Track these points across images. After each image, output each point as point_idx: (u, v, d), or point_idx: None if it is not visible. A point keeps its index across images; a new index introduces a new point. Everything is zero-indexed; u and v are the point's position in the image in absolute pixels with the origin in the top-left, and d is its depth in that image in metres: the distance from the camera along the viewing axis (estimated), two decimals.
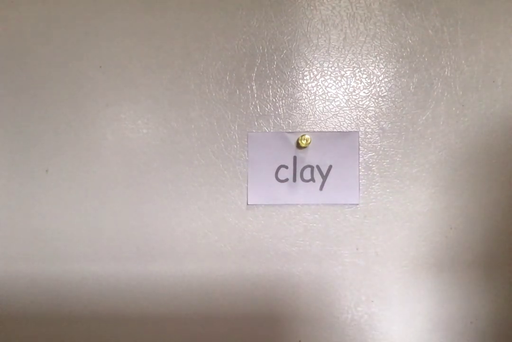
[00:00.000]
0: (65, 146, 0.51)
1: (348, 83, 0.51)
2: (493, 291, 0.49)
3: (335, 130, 0.50)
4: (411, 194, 0.50)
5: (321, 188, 0.49)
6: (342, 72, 0.51)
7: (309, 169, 0.50)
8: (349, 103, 0.50)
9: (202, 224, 0.50)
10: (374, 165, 0.50)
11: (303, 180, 0.50)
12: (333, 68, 0.51)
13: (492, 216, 0.49)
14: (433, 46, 0.50)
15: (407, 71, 0.50)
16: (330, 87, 0.51)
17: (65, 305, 0.51)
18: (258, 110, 0.50)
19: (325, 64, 0.51)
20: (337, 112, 0.50)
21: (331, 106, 0.50)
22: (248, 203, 0.50)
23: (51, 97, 0.51)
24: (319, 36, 0.51)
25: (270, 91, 0.50)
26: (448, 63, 0.50)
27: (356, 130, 0.50)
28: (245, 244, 0.50)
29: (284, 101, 0.50)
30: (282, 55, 0.51)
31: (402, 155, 0.50)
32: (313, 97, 0.50)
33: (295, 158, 0.50)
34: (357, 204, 0.50)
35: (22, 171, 0.51)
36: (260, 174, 0.50)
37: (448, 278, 0.49)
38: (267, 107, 0.50)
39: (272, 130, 0.50)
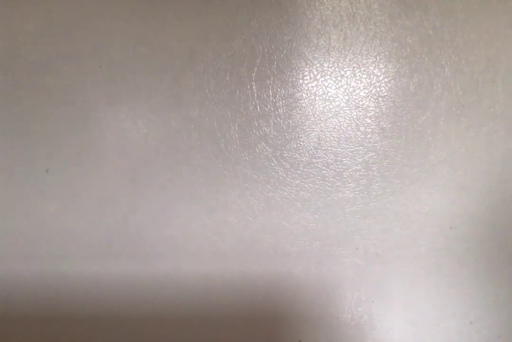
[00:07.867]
0: (65, 146, 0.51)
1: (348, 83, 0.51)
2: (493, 291, 0.49)
3: (335, 130, 0.50)
4: (411, 194, 0.50)
5: None
6: (342, 72, 0.51)
7: None
8: (349, 103, 0.50)
9: (202, 224, 0.50)
10: (374, 165, 0.50)
11: None
12: (333, 68, 0.51)
13: (492, 216, 0.49)
14: (433, 46, 0.50)
15: (407, 71, 0.50)
16: (330, 87, 0.50)
17: (65, 305, 0.51)
18: (258, 110, 0.50)
19: (325, 64, 0.51)
20: (337, 112, 0.50)
21: (331, 106, 0.50)
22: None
23: (51, 97, 0.51)
24: (319, 36, 0.51)
25: (270, 91, 0.50)
26: (448, 63, 0.50)
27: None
28: (245, 244, 0.50)
29: (284, 101, 0.50)
30: (282, 55, 0.51)
31: (402, 155, 0.50)
32: (313, 97, 0.50)
33: None
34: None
35: (22, 171, 0.51)
36: None
37: (448, 278, 0.49)
38: (267, 107, 0.50)
39: (272, 130, 0.50)
